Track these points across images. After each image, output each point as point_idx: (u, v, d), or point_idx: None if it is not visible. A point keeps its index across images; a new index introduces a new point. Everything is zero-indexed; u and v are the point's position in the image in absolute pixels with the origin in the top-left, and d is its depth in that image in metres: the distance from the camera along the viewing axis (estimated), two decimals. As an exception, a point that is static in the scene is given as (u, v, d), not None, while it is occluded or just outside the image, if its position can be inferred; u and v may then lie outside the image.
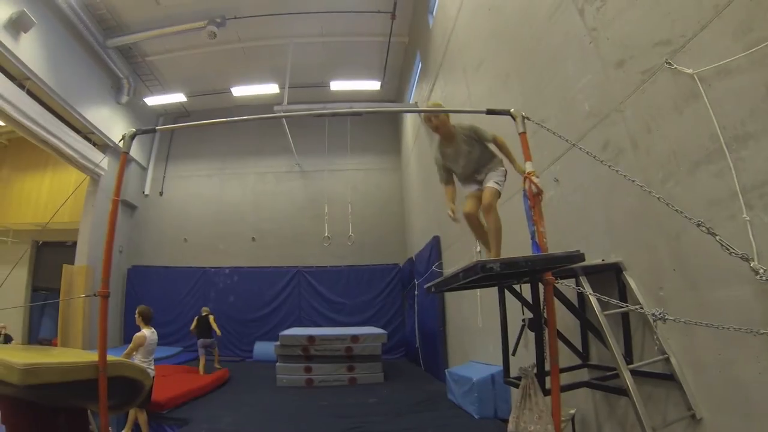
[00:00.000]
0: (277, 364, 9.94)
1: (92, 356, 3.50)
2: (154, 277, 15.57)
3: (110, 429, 5.87)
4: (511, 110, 3.39)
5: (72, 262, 13.72)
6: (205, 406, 7.49)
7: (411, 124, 13.05)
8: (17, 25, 9.84)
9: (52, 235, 15.70)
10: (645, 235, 3.46)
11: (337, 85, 13.89)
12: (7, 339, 11.65)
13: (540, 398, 3.13)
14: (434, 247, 10.41)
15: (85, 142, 13.41)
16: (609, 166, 3.08)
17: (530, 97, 5.28)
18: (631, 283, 3.62)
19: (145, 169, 16.43)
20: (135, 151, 15.36)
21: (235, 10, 11.78)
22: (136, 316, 6.44)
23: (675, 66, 2.99)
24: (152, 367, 6.15)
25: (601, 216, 4.02)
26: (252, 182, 15.99)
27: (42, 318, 15.38)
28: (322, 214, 12.92)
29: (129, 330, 14.60)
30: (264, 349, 12.83)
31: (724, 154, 2.62)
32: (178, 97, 15.25)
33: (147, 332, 6.21)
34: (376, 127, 15.96)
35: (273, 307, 14.77)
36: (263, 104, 14.15)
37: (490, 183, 3.60)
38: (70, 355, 4.56)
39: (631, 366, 3.29)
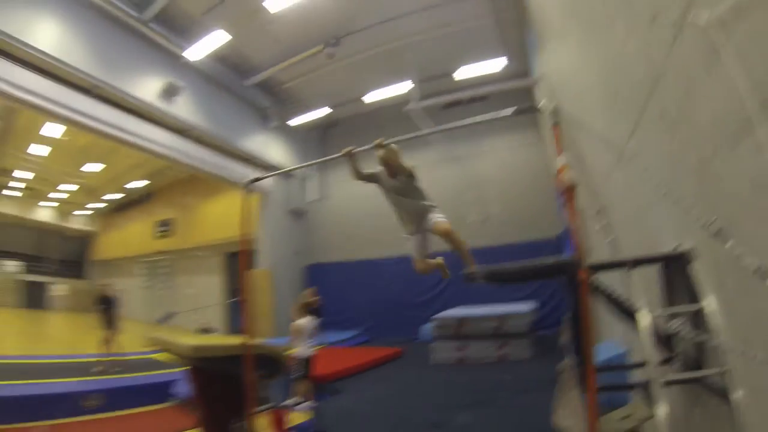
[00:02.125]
0: (434, 343, 10.73)
1: (242, 341, 4.87)
2: (329, 272, 17.56)
3: (279, 396, 7.50)
4: (540, 104, 3.54)
5: (255, 267, 16.34)
6: (360, 380, 8.82)
7: (544, 94, 12.36)
8: (169, 93, 12.64)
9: (237, 246, 18.64)
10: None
11: (461, 74, 13.85)
12: (209, 331, 14.11)
13: (575, 394, 3.16)
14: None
15: (248, 168, 15.75)
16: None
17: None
18: (701, 275, 2.91)
19: (306, 179, 18.43)
20: (293, 164, 16.95)
21: (345, 29, 12.58)
22: (295, 307, 7.98)
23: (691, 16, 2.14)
24: (312, 348, 7.55)
25: (671, 197, 3.53)
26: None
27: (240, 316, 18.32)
28: (475, 196, 13.70)
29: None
30: (428, 330, 13.86)
31: (758, 122, 1.79)
32: (320, 113, 16.74)
33: (303, 321, 7.65)
34: (507, 105, 15.73)
35: (440, 290, 15.34)
36: (396, 103, 14.80)
37: (438, 217, 4.21)
38: (230, 341, 6.05)
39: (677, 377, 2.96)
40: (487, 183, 14.20)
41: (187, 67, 13.10)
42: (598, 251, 5.35)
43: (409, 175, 4.37)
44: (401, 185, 4.34)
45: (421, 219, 4.33)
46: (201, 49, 12.41)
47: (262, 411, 6.78)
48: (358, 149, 4.57)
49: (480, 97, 13.56)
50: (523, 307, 11.24)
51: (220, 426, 4.87)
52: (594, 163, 5.34)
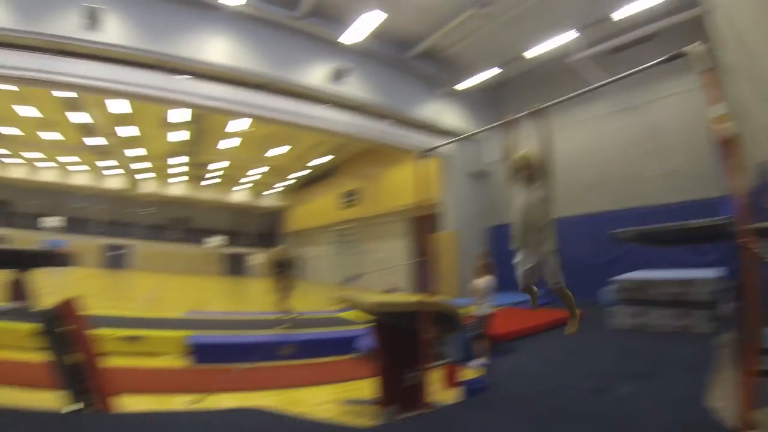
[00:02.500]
0: (613, 307, 10.19)
1: (420, 299, 5.29)
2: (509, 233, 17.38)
3: (454, 351, 7.89)
4: (693, 46, 2.97)
5: (440, 230, 17.32)
6: (535, 340, 8.94)
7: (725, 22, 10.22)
8: (338, 75, 13.86)
9: (421, 211, 19.55)
10: None
11: (622, 13, 12.30)
12: (394, 291, 14.92)
13: (731, 375, 2.92)
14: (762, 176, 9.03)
15: (425, 135, 16.49)
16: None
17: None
18: None
19: (484, 141, 18.39)
20: (469, 127, 17.17)
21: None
22: (476, 267, 8.37)
23: None
24: (491, 306, 7.94)
25: None
26: (579, 131, 15.84)
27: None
28: (655, 147, 12.77)
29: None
30: (608, 293, 13.22)
31: None
32: (487, 74, 16.45)
33: (481, 281, 8.04)
34: (675, 43, 13.48)
35: (624, 250, 14.10)
36: (564, 54, 14.20)
37: (557, 276, 3.88)
38: (410, 298, 6.44)
39: None
40: (665, 133, 12.98)
41: (351, 50, 14.06)
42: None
43: (546, 178, 3.99)
44: (535, 192, 4.00)
45: (537, 245, 3.99)
46: (359, 30, 13.04)
47: (436, 365, 7.23)
48: (516, 116, 4.38)
49: (647, 36, 12.39)
50: (709, 273, 9.72)
51: (396, 376, 5.25)
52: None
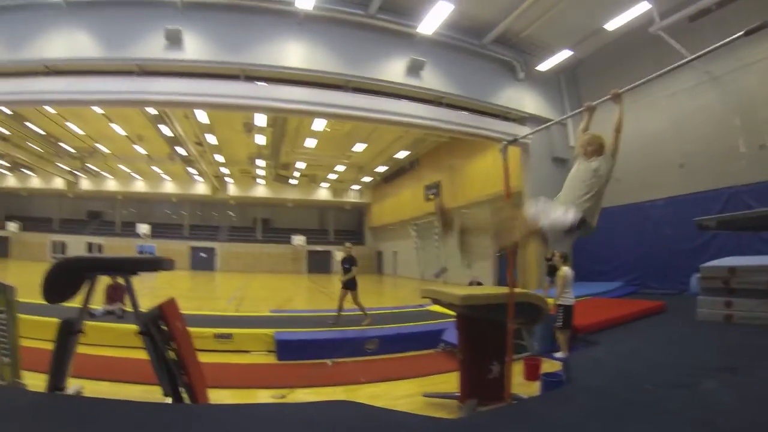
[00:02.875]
0: (699, 297, 9.45)
1: (506, 291, 5.38)
2: (595, 218, 16.94)
3: (535, 344, 7.91)
4: None
5: None
6: (616, 333, 8.63)
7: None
8: (414, 68, 14.07)
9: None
10: None
11: None
12: (478, 284, 14.93)
13: None
14: None
15: (505, 122, 16.50)
16: None
17: None
18: None
19: (565, 125, 17.98)
20: (549, 111, 17.42)
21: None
22: (557, 258, 8.54)
23: None
24: (572, 298, 7.86)
25: None
26: (665, 106, 14.95)
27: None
28: (747, 120, 11.94)
29: (577, 268, 17.04)
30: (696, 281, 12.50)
31: None
32: (564, 54, 16.11)
33: (565, 270, 8.01)
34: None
35: (712, 234, 13.22)
36: (639, 25, 13.62)
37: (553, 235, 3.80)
38: (494, 291, 6.51)
39: None
40: (757, 103, 11.97)
41: (425, 42, 14.20)
42: None
43: (609, 159, 4.12)
44: (592, 164, 4.11)
45: (572, 203, 3.98)
46: (431, 22, 13.29)
47: (519, 358, 7.29)
48: (596, 102, 4.45)
49: None
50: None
51: (478, 369, 5.35)
52: None
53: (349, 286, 10.60)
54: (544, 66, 16.81)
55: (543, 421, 4.12)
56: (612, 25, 14.43)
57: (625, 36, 15.06)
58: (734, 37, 3.28)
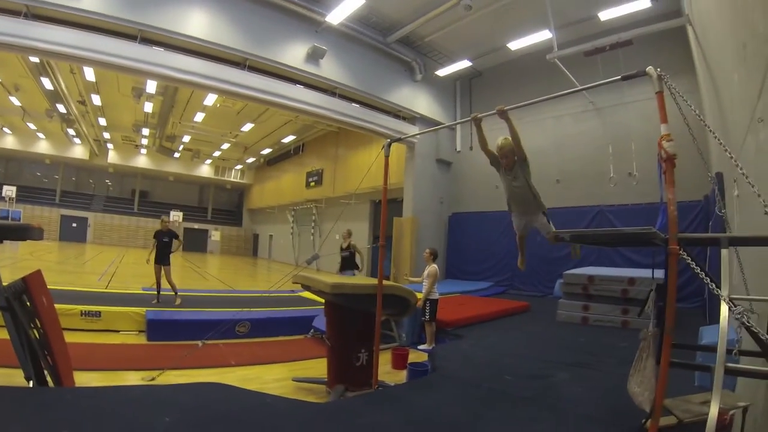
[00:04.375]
0: (560, 300, 10.58)
1: (375, 282, 5.51)
2: (471, 221, 17.95)
3: (403, 335, 8.21)
4: (647, 69, 3.28)
5: (401, 215, 17.66)
6: (482, 328, 9.15)
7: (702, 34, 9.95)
8: (314, 56, 13.89)
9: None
10: None
11: (606, 15, 12.97)
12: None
13: (650, 364, 3.17)
14: (716, 185, 9.31)
15: (396, 120, 16.82)
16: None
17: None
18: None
19: (453, 129, 18.86)
20: (440, 115, 18.08)
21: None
22: (427, 254, 8.68)
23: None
24: (437, 293, 8.31)
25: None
26: (551, 127, 16.14)
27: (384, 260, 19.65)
28: (621, 150, 13.02)
29: (449, 266, 18.19)
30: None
31: None
32: (464, 64, 16.88)
33: (433, 267, 8.35)
34: (657, 48, 13.22)
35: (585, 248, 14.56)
36: (539, 50, 14.35)
37: (549, 228, 4.69)
38: (365, 281, 6.67)
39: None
40: (630, 136, 13.18)
41: (329, 31, 14.15)
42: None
43: (523, 165, 4.57)
44: (515, 180, 4.62)
45: (528, 213, 4.85)
46: (340, 13, 13.27)
47: (387, 347, 7.53)
48: (482, 115, 4.72)
49: (624, 42, 12.25)
50: (659, 272, 10.23)
51: (346, 356, 5.50)
52: (730, 125, 5.08)
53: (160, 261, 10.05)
54: (443, 72, 17.45)
55: (406, 405, 4.34)
56: (514, 45, 15.33)
57: (525, 57, 16.04)
58: (613, 79, 3.72)
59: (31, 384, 3.67)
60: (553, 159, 15.68)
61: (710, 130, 3.31)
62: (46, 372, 3.82)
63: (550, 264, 14.68)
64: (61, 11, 10.63)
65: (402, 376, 6.56)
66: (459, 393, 4.80)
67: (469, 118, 4.90)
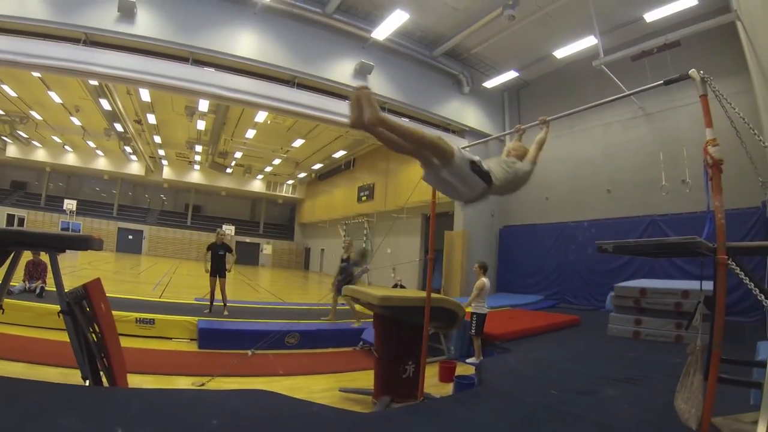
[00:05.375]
0: (611, 314, 10.22)
1: (424, 294, 5.50)
2: (521, 234, 17.80)
3: (451, 348, 8.18)
4: (690, 72, 3.16)
5: (452, 229, 17.77)
6: (531, 342, 8.98)
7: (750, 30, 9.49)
8: (362, 72, 14.23)
9: (437, 208, 20.13)
10: None
11: (652, 16, 12.61)
12: (399, 286, 15.11)
13: (697, 380, 3.04)
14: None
15: (445, 133, 16.76)
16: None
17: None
18: None
19: (502, 141, 18.51)
20: (489, 127, 18.09)
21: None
22: (476, 268, 8.63)
23: None
24: (486, 307, 8.24)
25: None
26: (600, 135, 15.84)
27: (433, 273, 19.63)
28: (673, 156, 12.62)
29: (500, 280, 17.91)
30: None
31: None
32: (511, 74, 16.84)
33: (483, 280, 8.29)
34: (707, 48, 12.69)
35: (629, 257, 13.58)
36: (585, 57, 14.26)
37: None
38: (414, 294, 6.70)
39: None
40: (681, 142, 12.61)
41: (376, 46, 14.48)
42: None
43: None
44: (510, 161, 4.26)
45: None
46: (385, 29, 13.53)
47: (434, 360, 7.52)
48: (526, 126, 4.81)
49: (672, 43, 12.03)
50: (709, 284, 9.65)
51: (393, 368, 5.52)
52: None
53: (216, 273, 10.30)
54: (491, 83, 17.41)
55: (450, 417, 4.33)
56: (560, 53, 15.18)
57: (571, 66, 15.82)
58: (655, 84, 3.68)
59: (87, 383, 3.86)
60: (603, 168, 15.39)
61: (754, 132, 3.17)
62: (101, 372, 4.02)
63: (601, 276, 14.32)
64: (118, 38, 11.25)
65: (449, 389, 6.54)
66: (503, 407, 4.76)
67: (512, 130, 4.96)
